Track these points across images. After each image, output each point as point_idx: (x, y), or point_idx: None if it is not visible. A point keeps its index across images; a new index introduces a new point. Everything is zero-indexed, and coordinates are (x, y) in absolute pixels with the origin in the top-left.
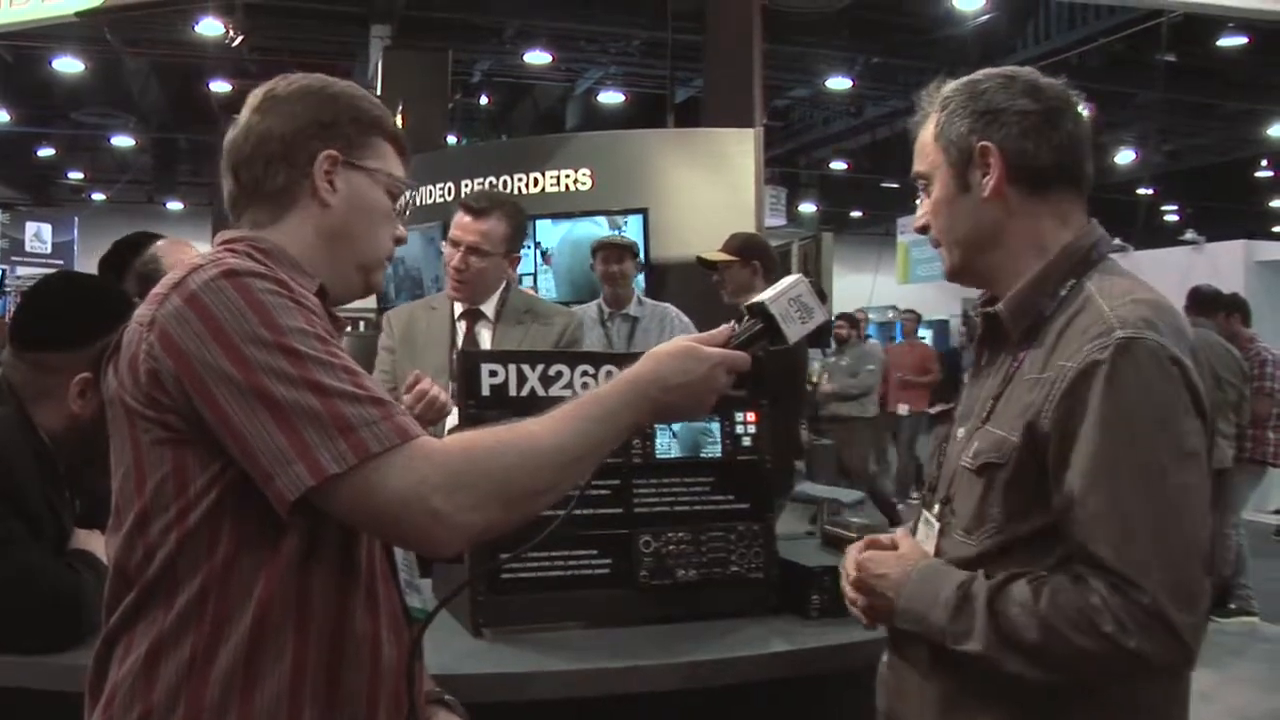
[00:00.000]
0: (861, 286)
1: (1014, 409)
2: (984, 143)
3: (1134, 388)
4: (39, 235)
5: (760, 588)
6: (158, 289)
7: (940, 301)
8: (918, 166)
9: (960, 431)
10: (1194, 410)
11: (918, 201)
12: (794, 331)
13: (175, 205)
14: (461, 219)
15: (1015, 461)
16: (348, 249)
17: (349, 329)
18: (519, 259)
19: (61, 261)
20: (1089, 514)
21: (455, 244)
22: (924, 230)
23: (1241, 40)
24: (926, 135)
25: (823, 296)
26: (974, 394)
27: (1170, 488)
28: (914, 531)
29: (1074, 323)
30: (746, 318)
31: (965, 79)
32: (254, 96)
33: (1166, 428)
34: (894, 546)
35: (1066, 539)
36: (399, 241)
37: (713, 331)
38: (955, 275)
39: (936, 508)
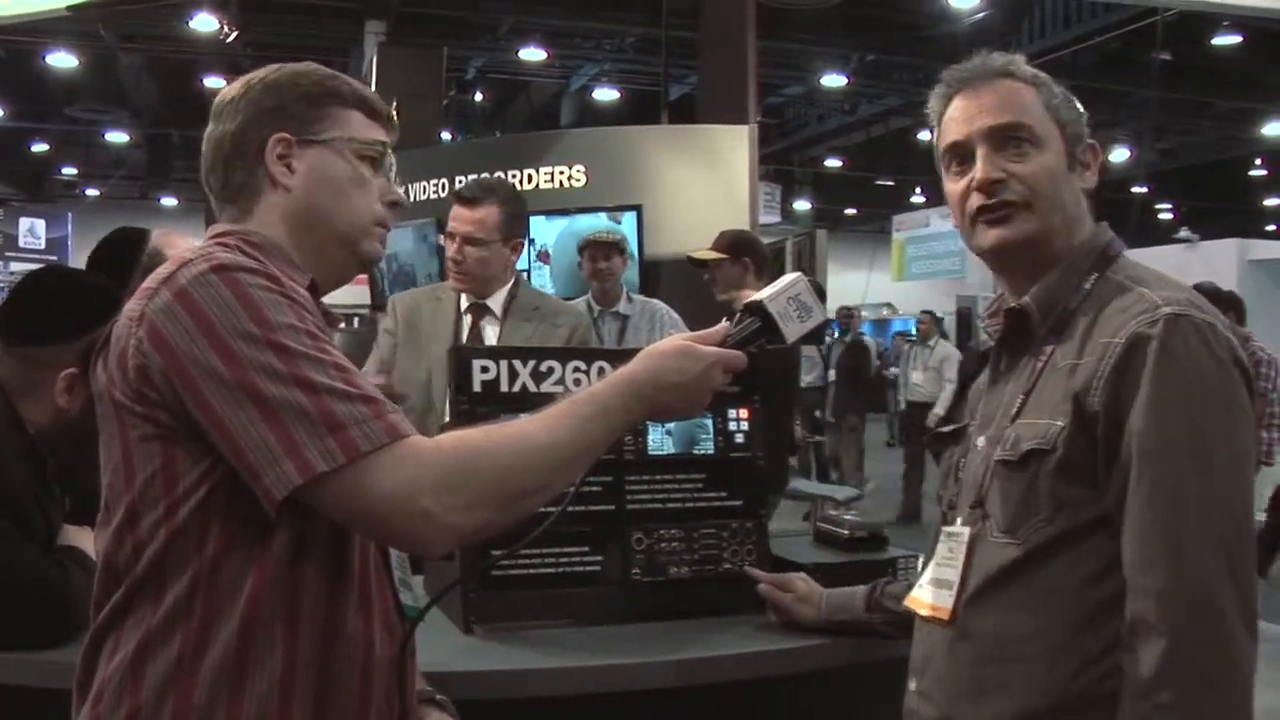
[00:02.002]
0: (856, 284)
1: (1053, 397)
2: (1093, 141)
3: (1186, 366)
4: (33, 231)
5: (753, 585)
6: (147, 283)
7: (934, 299)
8: (1020, 117)
9: (980, 440)
10: (1244, 388)
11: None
12: (792, 331)
13: (169, 201)
14: (456, 210)
15: (1065, 445)
16: (320, 227)
17: (342, 324)
18: (521, 244)
19: (55, 257)
20: (1139, 502)
21: (451, 236)
22: (997, 184)
23: (1236, 39)
24: (1030, 99)
25: (822, 295)
26: (994, 400)
27: (1227, 475)
28: (931, 553)
29: (1110, 306)
30: (743, 315)
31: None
32: (214, 106)
33: (1222, 409)
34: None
35: (1118, 529)
36: (392, 204)
37: (709, 330)
38: (1032, 239)
39: (961, 518)
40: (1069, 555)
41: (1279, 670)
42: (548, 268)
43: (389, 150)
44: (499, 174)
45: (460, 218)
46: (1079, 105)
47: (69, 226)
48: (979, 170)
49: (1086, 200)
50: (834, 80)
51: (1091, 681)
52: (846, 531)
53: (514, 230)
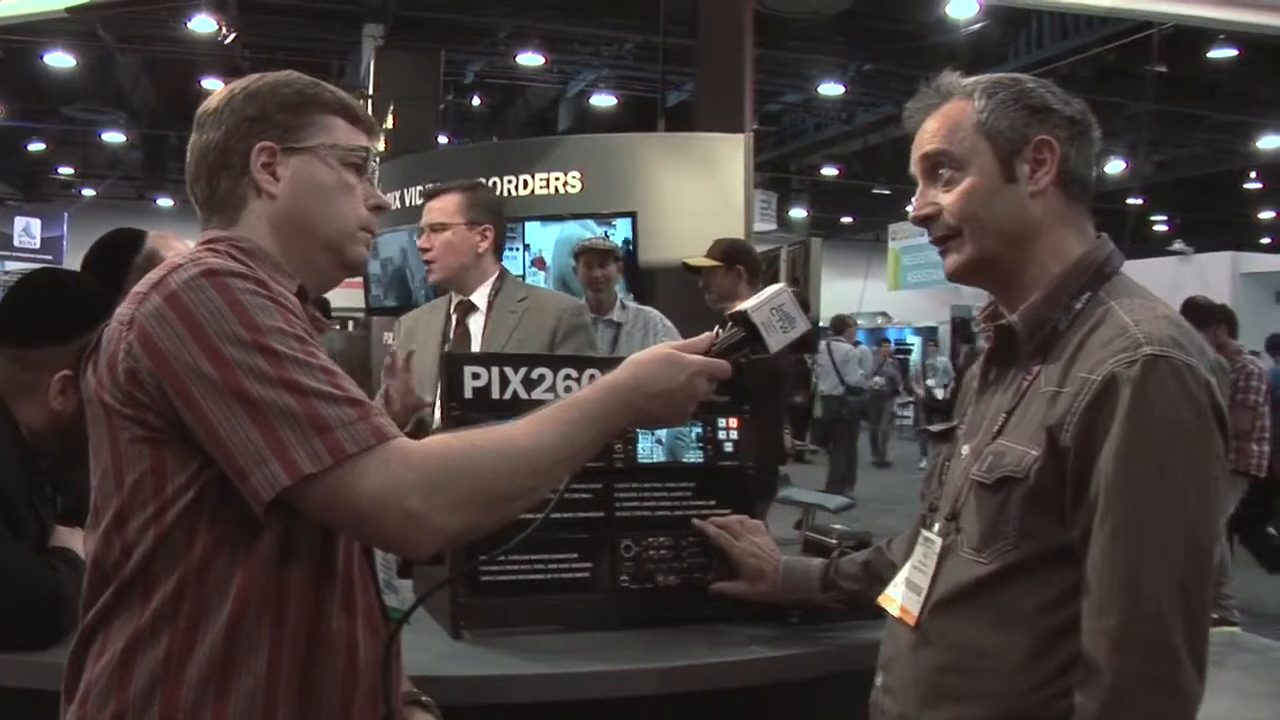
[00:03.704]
0: (851, 292)
1: (1032, 423)
2: (1044, 137)
3: (1161, 410)
4: (28, 230)
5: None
6: (138, 287)
7: (929, 309)
8: (943, 145)
9: (965, 449)
10: (1219, 433)
11: (911, 205)
12: (776, 341)
13: (165, 201)
14: (424, 209)
15: (1036, 476)
16: (307, 233)
17: (338, 327)
18: (490, 232)
19: (50, 257)
20: (1102, 542)
21: (421, 232)
22: (929, 220)
23: (1232, 52)
24: (960, 118)
25: (806, 306)
26: (981, 410)
27: (1191, 520)
28: (909, 553)
29: (1094, 335)
30: (729, 325)
31: (997, 75)
32: (196, 117)
33: (1193, 454)
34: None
35: (1080, 562)
36: (377, 209)
37: (694, 339)
38: (973, 266)
39: (938, 525)
40: (1031, 580)
41: (1261, 681)
42: (543, 274)
43: (372, 155)
44: (494, 179)
45: (425, 211)
46: (1046, 100)
47: (64, 226)
48: (913, 206)
49: (1063, 201)
50: (831, 89)
51: (1043, 701)
52: (835, 540)
53: (478, 216)
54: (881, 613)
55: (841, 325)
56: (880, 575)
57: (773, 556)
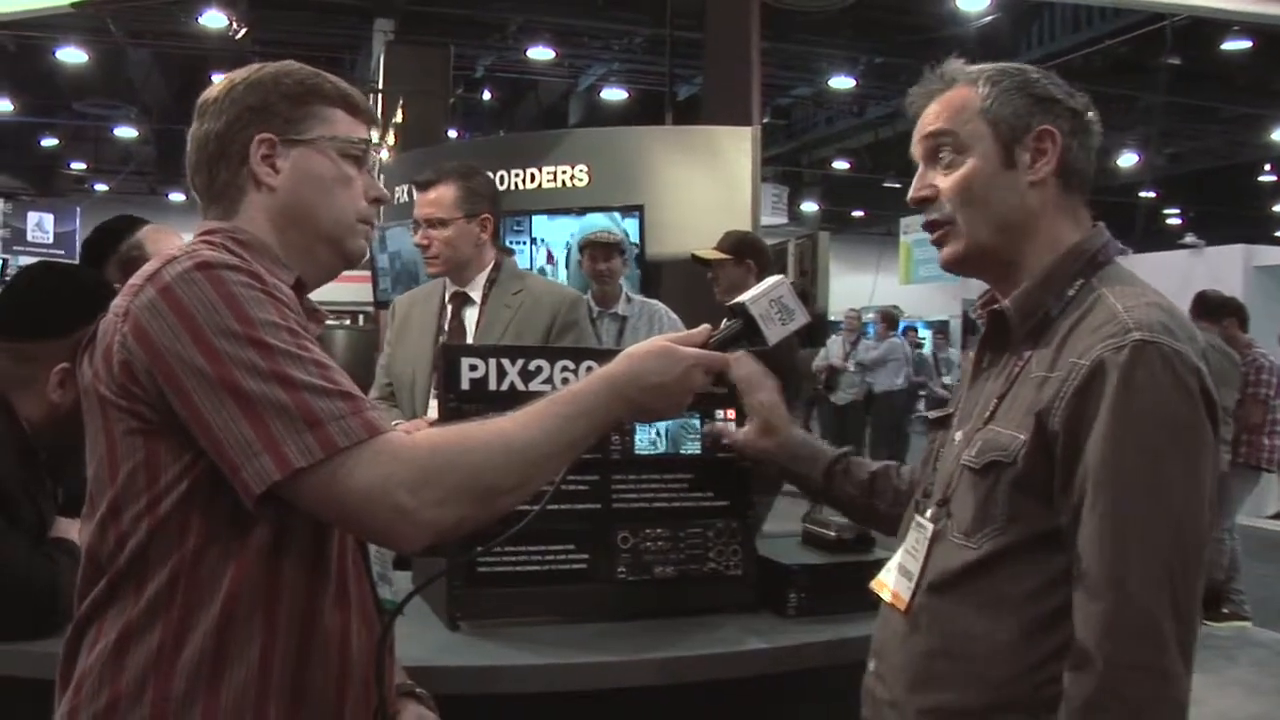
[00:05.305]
0: (862, 286)
1: (1021, 408)
2: (1047, 126)
3: (1148, 396)
4: (41, 225)
5: (738, 585)
6: (133, 280)
7: (941, 302)
8: (946, 125)
9: (958, 435)
10: (1208, 420)
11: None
12: (774, 333)
13: (177, 196)
14: (416, 198)
15: (1024, 460)
16: (306, 225)
17: (347, 322)
18: (490, 221)
19: (63, 252)
20: (1090, 528)
21: (416, 225)
22: (928, 201)
23: (1246, 44)
24: (964, 103)
25: (806, 299)
26: (974, 396)
27: (1178, 507)
28: (903, 537)
29: (1085, 321)
30: (726, 317)
31: (1001, 64)
32: (197, 106)
33: (1180, 441)
34: None
35: (1069, 547)
36: (376, 201)
37: (691, 331)
38: (969, 255)
39: (930, 510)
40: (1019, 565)
41: (1270, 676)
42: (550, 268)
43: (372, 147)
44: (502, 172)
45: (419, 203)
46: (1050, 91)
47: (77, 221)
48: (911, 188)
49: (1061, 192)
50: (842, 82)
51: (1030, 687)
52: (834, 533)
53: (476, 206)
54: (876, 599)
55: (895, 322)
56: (879, 493)
57: (786, 420)
